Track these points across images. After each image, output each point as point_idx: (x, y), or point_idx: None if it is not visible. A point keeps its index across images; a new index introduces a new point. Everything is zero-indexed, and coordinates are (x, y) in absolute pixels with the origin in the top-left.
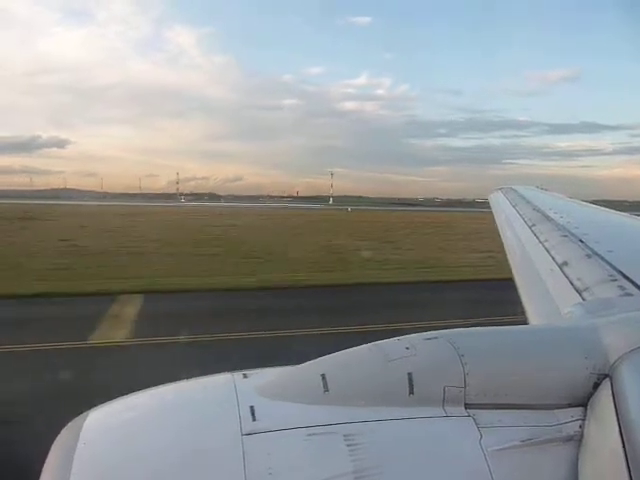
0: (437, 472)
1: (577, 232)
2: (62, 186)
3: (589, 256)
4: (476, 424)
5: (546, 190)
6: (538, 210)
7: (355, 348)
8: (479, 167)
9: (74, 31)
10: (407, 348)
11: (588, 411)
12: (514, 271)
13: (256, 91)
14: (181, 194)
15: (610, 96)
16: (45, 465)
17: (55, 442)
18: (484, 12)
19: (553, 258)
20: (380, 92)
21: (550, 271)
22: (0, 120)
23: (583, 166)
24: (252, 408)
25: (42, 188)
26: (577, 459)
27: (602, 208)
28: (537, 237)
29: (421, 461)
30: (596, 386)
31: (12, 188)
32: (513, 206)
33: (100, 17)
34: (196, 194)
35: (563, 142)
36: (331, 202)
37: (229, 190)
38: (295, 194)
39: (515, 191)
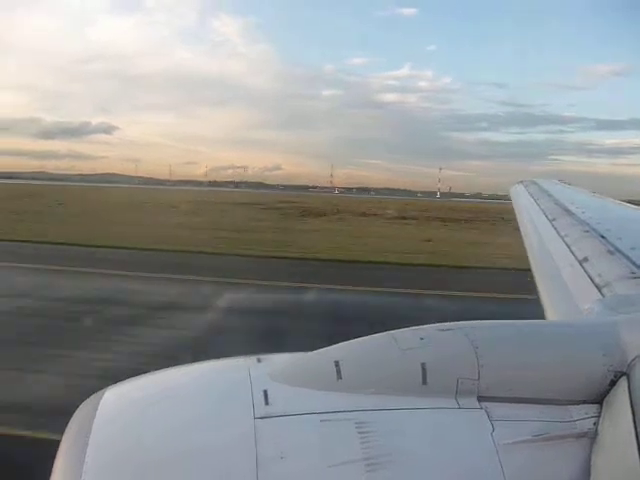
0: (448, 463)
1: (599, 228)
2: (121, 172)
3: (611, 252)
4: (488, 417)
5: (569, 184)
6: (559, 204)
7: (369, 336)
8: (521, 163)
9: (122, 19)
10: (422, 339)
11: (603, 408)
12: (533, 265)
13: (296, 80)
14: (335, 186)
15: None
16: (62, 442)
17: (72, 419)
18: (531, 5)
19: (573, 253)
20: (422, 84)
21: (570, 266)
22: (52, 106)
23: (631, 164)
24: (265, 392)
25: (90, 173)
26: (590, 456)
27: (626, 204)
28: (557, 232)
29: (432, 451)
30: (612, 384)
31: (63, 172)
32: (535, 200)
33: (147, 5)
34: (345, 187)
35: (610, 139)
36: (438, 195)
37: (268, 179)
38: (334, 184)
39: (537, 184)
